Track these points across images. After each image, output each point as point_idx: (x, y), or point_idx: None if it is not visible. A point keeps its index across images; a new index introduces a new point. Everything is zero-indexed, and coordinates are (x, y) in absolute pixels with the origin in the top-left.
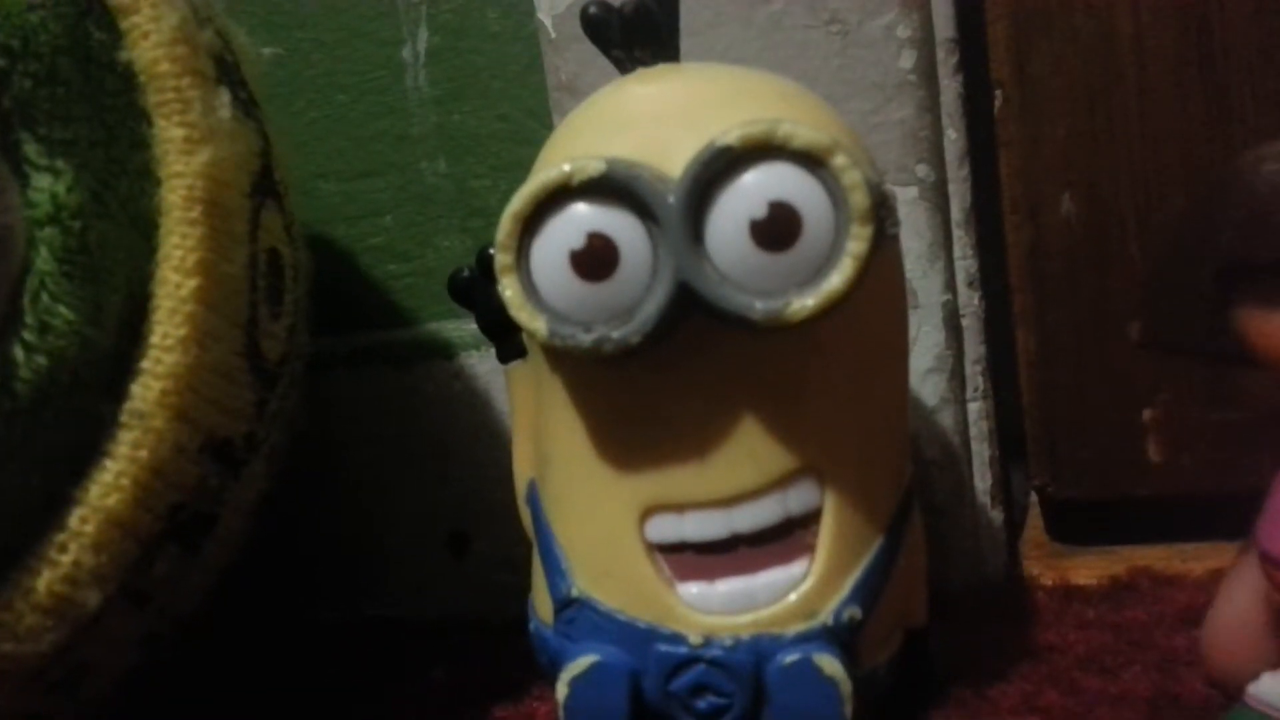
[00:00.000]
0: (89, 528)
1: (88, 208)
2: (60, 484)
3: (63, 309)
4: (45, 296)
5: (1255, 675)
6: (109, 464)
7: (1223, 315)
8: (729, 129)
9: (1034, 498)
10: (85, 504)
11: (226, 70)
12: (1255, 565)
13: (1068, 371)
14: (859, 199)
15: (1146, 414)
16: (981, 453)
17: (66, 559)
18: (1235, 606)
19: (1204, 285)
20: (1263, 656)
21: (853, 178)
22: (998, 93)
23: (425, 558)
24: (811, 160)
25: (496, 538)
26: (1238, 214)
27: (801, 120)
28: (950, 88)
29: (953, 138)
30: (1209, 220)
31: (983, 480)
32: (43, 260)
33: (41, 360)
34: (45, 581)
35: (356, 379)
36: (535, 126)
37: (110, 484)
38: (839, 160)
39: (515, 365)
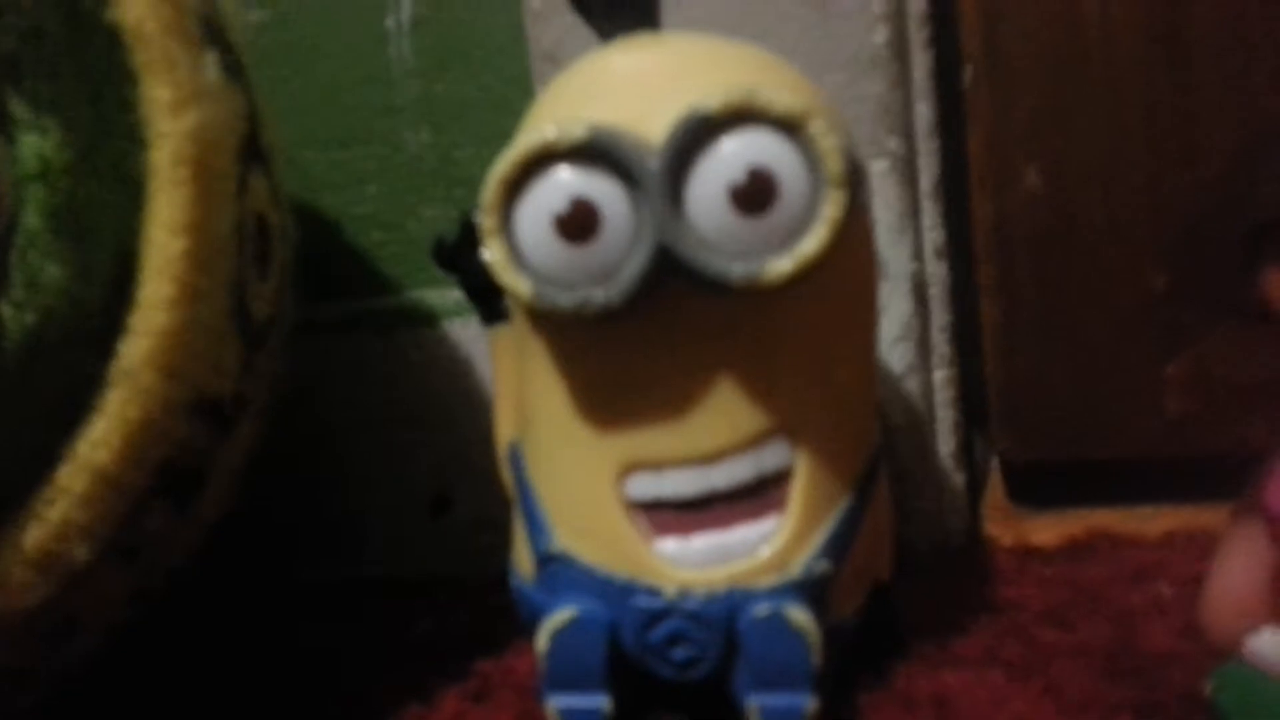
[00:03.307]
0: (78, 484)
1: (75, 166)
2: (50, 440)
3: (51, 267)
4: (33, 254)
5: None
6: (98, 421)
7: (1250, 272)
8: (709, 96)
9: (995, 462)
10: (74, 460)
11: (213, 33)
12: (1248, 533)
13: (1030, 340)
14: (834, 164)
15: (1107, 381)
16: (946, 418)
17: (55, 514)
18: (1232, 576)
19: (1236, 242)
20: (1264, 622)
21: (829, 144)
22: (967, 68)
23: (407, 519)
24: (789, 126)
25: (477, 499)
26: (1272, 174)
27: (780, 89)
28: (922, 63)
29: (923, 112)
30: (1244, 179)
31: (946, 445)
32: (30, 218)
33: (30, 317)
34: (34, 536)
35: (342, 345)
36: (517, 96)
37: (99, 440)
38: (816, 126)
39: (498, 328)
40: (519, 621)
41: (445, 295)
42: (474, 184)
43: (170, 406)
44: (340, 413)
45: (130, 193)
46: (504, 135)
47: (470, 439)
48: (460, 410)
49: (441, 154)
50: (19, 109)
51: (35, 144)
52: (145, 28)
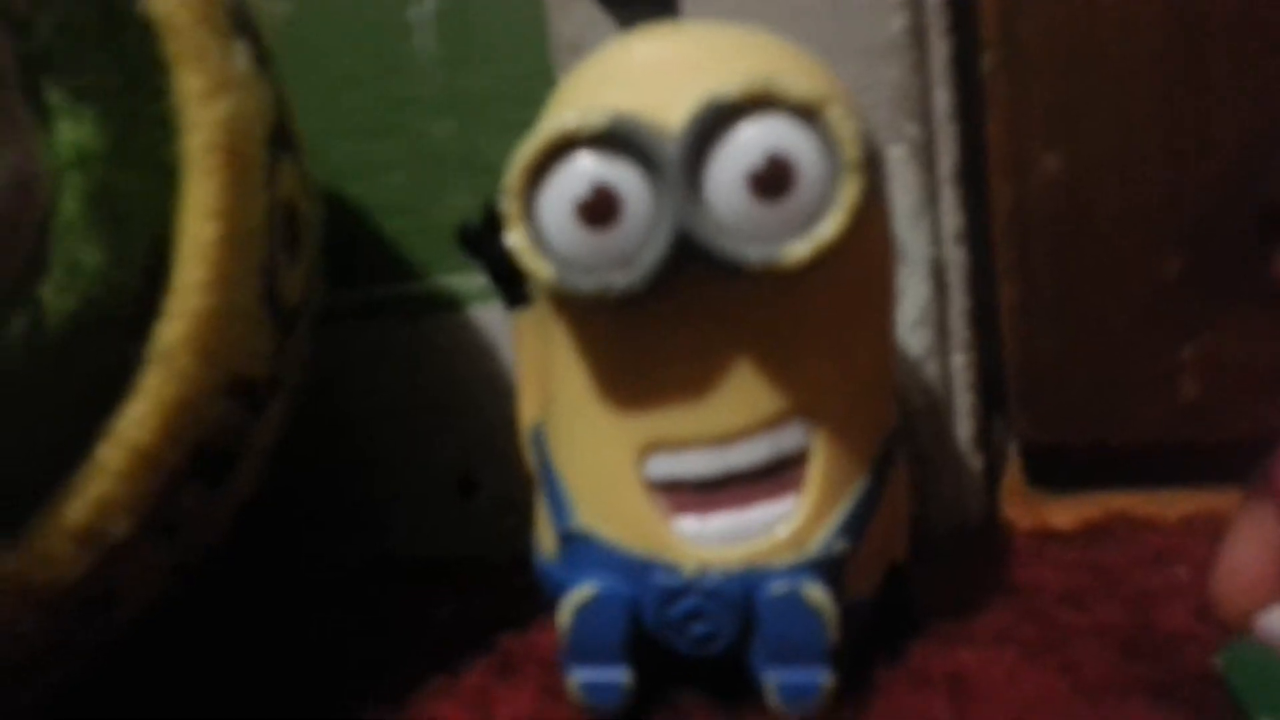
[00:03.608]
0: (117, 461)
1: (111, 154)
2: (89, 419)
3: (89, 252)
4: (71, 240)
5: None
6: (136, 401)
7: (1264, 256)
8: (728, 83)
9: (1014, 445)
10: (113, 438)
11: (243, 23)
12: (1259, 513)
13: (1047, 324)
14: (851, 150)
15: (1125, 365)
16: (964, 402)
17: (95, 490)
18: (1243, 555)
19: (1250, 228)
20: (1274, 600)
21: (846, 130)
22: (986, 54)
23: (433, 501)
24: (807, 112)
25: (501, 482)
26: None
27: (797, 75)
28: (940, 49)
29: (941, 98)
30: (1259, 164)
31: (965, 429)
32: (68, 204)
33: (70, 301)
34: (75, 511)
35: (368, 330)
36: (539, 86)
37: (138, 419)
38: (834, 112)
39: (521, 312)
40: (542, 600)
41: (469, 280)
42: (497, 172)
43: (205, 388)
44: (365, 398)
45: (164, 180)
46: (526, 124)
47: (494, 423)
48: (484, 394)
49: (465, 143)
50: (55, 98)
51: (71, 132)
52: (177, 19)
